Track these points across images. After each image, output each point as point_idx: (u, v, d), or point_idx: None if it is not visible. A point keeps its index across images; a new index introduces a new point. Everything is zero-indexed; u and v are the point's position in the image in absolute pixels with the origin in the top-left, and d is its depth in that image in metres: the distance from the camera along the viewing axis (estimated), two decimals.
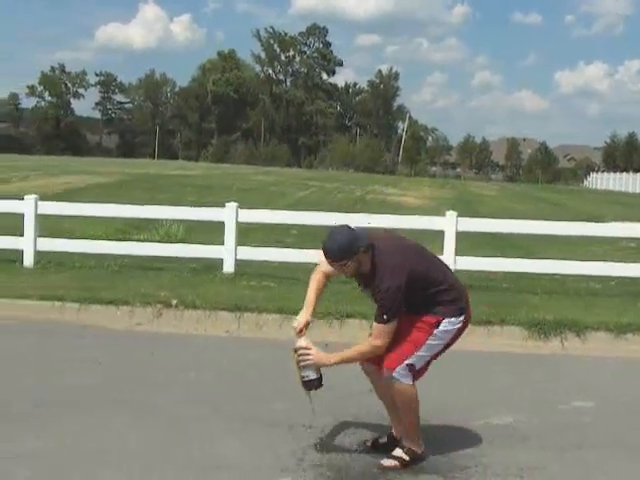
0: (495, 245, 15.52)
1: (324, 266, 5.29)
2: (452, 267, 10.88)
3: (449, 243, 11.06)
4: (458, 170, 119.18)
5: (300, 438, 5.53)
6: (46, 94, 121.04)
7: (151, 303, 9.47)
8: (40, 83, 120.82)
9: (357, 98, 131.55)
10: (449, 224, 11.11)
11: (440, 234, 11.24)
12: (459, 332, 5.21)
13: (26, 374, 7.04)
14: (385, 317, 4.96)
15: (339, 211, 14.84)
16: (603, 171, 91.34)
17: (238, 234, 11.68)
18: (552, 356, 8.56)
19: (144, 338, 8.71)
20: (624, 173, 75.54)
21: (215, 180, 37.17)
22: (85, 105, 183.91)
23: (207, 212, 12.93)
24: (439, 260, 5.42)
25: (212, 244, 12.03)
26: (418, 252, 5.29)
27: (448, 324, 5.11)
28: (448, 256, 11.00)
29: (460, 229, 11.15)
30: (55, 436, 5.48)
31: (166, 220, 14.46)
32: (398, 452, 5.15)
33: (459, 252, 11.14)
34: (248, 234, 14.27)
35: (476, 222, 12.55)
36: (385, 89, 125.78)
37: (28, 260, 11.76)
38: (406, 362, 5.02)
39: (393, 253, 5.10)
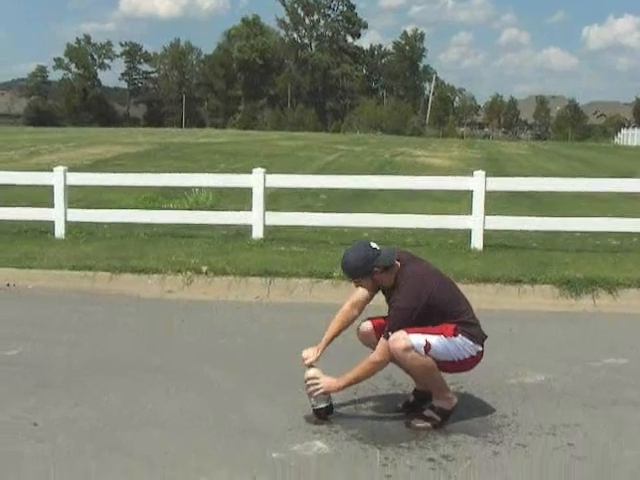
0: (525, 204, 15.41)
1: (354, 297, 5.41)
2: (481, 227, 10.90)
3: (478, 203, 10.98)
4: (486, 130, 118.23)
5: (332, 401, 5.55)
6: (72, 66, 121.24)
7: (182, 271, 9.52)
8: (66, 55, 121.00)
9: (383, 60, 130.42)
10: (478, 184, 11.02)
11: (469, 194, 11.17)
12: (470, 360, 5.16)
13: (62, 343, 7.13)
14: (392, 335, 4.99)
15: (368, 173, 14.80)
16: (634, 127, 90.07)
17: (266, 200, 11.68)
18: (584, 314, 8.51)
19: (176, 305, 8.77)
20: None
21: (243, 147, 37.15)
22: (112, 76, 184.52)
23: (235, 178, 12.95)
24: (464, 297, 5.34)
25: (241, 210, 12.05)
26: (443, 281, 5.30)
27: (465, 343, 5.09)
28: (477, 216, 10.96)
29: (489, 189, 11.06)
30: (92, 402, 5.55)
31: (195, 187, 14.50)
32: (429, 412, 5.16)
33: (488, 211, 11.07)
34: (277, 199, 14.29)
35: (505, 181, 12.48)
36: (411, 50, 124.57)
37: (59, 231, 11.87)
38: (426, 337, 4.97)
39: (417, 274, 5.14)
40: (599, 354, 6.86)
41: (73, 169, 13.52)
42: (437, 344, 4.99)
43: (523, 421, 5.22)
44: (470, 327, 5.15)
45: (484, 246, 10.92)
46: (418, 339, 4.95)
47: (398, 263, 5.18)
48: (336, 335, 5.44)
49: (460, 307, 5.21)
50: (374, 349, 5.24)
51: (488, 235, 11.06)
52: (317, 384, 5.18)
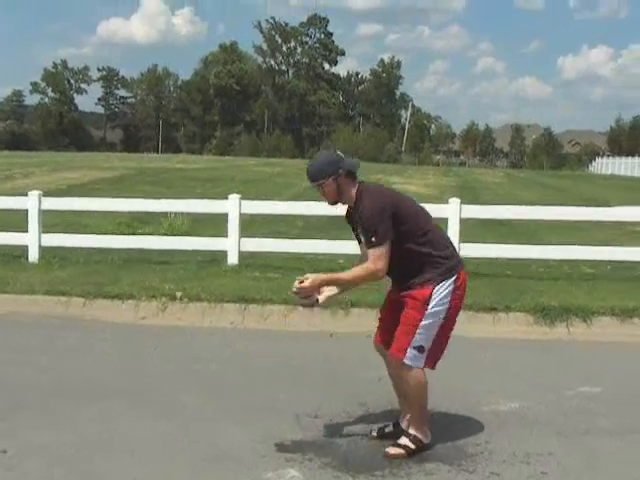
0: (500, 232, 15.48)
1: (360, 254, 5.32)
2: None
3: (453, 230, 11.03)
4: (462, 158, 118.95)
5: (306, 428, 5.53)
6: (49, 90, 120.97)
7: (156, 296, 9.48)
8: (43, 79, 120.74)
9: (360, 87, 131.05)
10: (453, 211, 11.09)
11: (444, 221, 11.20)
12: (457, 293, 5.09)
13: (36, 367, 7.06)
14: (374, 240, 4.89)
15: None
16: (608, 156, 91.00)
17: (242, 226, 11.68)
18: (558, 342, 8.54)
19: (150, 331, 8.71)
20: (629, 157, 75.14)
21: (219, 173, 37.13)
22: (88, 100, 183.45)
23: (210, 204, 12.93)
24: (428, 214, 5.27)
25: (216, 236, 12.03)
26: (406, 196, 5.34)
27: (441, 290, 5.01)
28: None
29: (464, 216, 11.13)
30: (65, 428, 5.50)
31: (170, 213, 14.46)
32: (404, 440, 5.15)
33: (463, 239, 11.11)
34: (253, 226, 14.27)
35: (480, 209, 12.54)
36: (387, 78, 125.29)
37: (33, 255, 11.79)
38: (412, 345, 4.99)
39: (379, 188, 5.23)
40: (573, 382, 6.87)
41: (48, 194, 13.44)
42: (425, 333, 5.00)
43: (497, 449, 5.22)
44: (441, 262, 5.04)
45: None
46: (411, 354, 4.99)
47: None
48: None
49: (426, 225, 5.13)
50: (385, 359, 5.30)
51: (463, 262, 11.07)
52: (306, 291, 4.99)
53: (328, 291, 5.16)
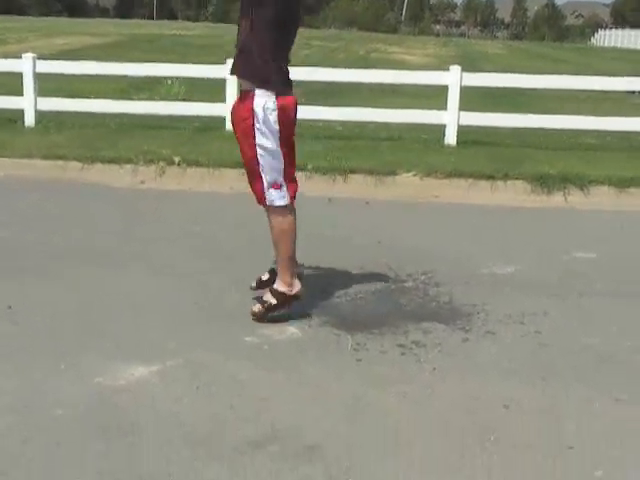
0: (501, 103, 15.33)
1: None
2: (456, 122, 10.87)
3: (453, 98, 10.90)
4: (462, 28, 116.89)
5: (306, 288, 5.58)
6: None
7: (154, 161, 9.45)
8: None
9: None
10: (453, 78, 10.93)
11: (444, 89, 11.08)
12: (283, 117, 4.75)
13: (35, 230, 7.08)
14: None
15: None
16: (611, 28, 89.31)
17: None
18: (555, 210, 8.58)
19: (148, 195, 8.73)
20: (633, 29, 73.72)
21: (217, 40, 36.45)
22: None
23: (208, 69, 12.70)
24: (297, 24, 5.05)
25: (214, 102, 11.89)
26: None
27: (263, 111, 4.68)
28: (452, 111, 10.90)
29: (464, 84, 10.97)
30: (68, 288, 5.59)
31: (167, 80, 14.26)
32: (267, 296, 5.02)
33: (463, 108, 11.00)
34: None
35: (480, 77, 12.34)
36: None
37: (29, 120, 11.66)
38: (265, 185, 4.86)
39: None
40: (569, 248, 6.95)
41: (42, 58, 13.20)
42: (270, 169, 4.82)
43: (492, 310, 5.31)
44: (267, 70, 4.78)
45: (458, 142, 10.91)
46: (271, 194, 4.89)
47: None
48: None
49: (289, 23, 4.94)
50: None
51: (462, 131, 11.02)
52: None
53: None
